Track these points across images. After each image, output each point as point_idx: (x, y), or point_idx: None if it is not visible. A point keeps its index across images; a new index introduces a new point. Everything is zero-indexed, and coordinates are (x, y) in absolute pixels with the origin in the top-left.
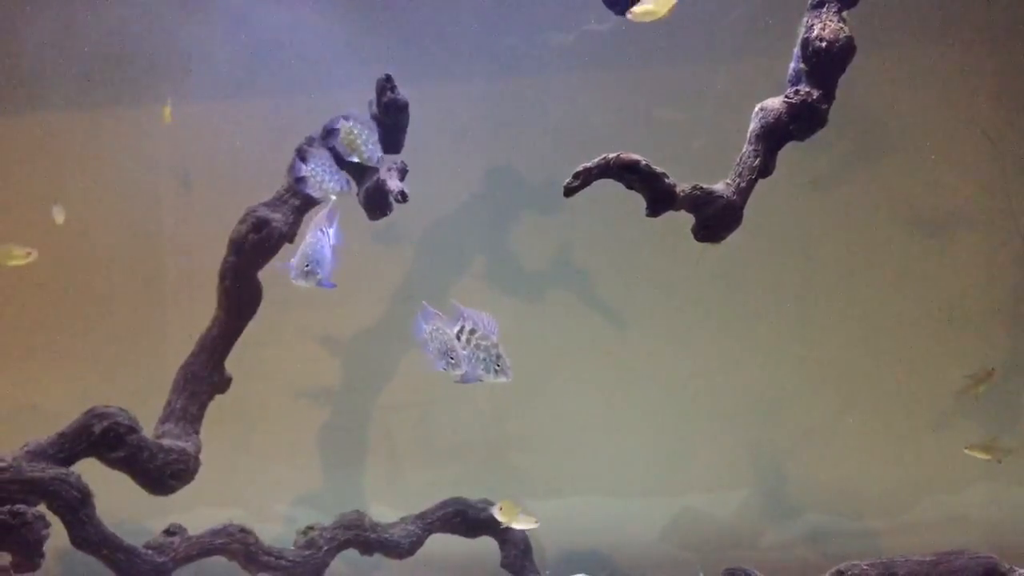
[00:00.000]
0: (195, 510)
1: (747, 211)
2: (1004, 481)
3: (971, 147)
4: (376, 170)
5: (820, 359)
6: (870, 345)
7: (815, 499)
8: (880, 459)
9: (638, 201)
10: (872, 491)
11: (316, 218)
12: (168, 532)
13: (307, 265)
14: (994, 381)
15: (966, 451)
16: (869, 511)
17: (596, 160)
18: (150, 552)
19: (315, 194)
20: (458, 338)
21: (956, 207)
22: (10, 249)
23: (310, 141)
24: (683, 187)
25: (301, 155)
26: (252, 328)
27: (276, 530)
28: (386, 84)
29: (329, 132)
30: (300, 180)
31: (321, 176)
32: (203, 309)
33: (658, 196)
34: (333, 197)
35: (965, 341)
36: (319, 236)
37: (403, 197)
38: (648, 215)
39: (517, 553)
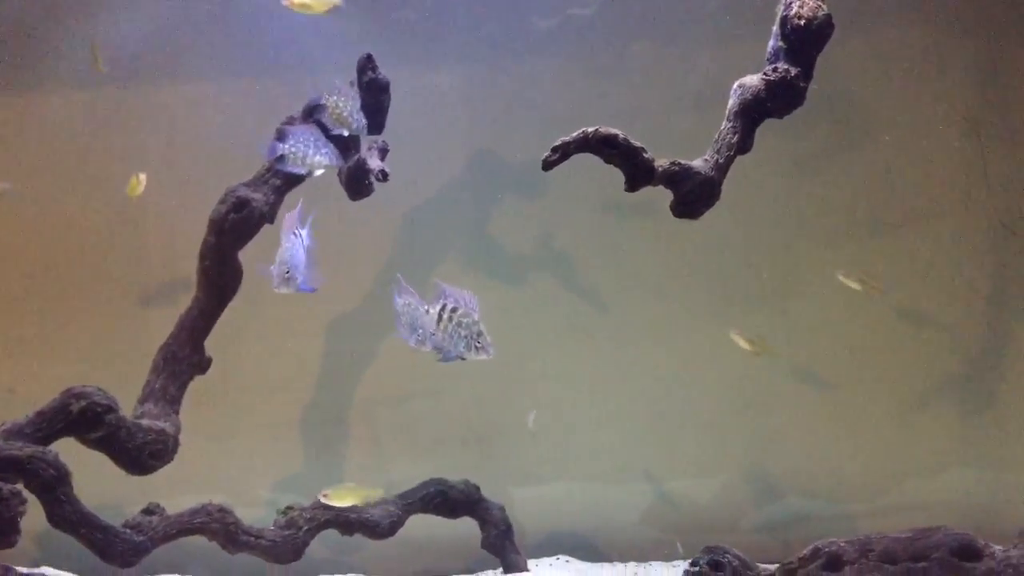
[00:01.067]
0: (176, 497)
1: (730, 198)
2: (980, 466)
3: (951, 131)
4: (357, 150)
5: (801, 344)
6: (850, 330)
7: (795, 484)
8: (859, 444)
9: (620, 185)
10: (851, 476)
11: (287, 222)
12: (147, 511)
13: (286, 272)
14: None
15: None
16: (848, 495)
17: (575, 134)
18: (128, 531)
19: (299, 171)
20: (440, 316)
21: (936, 191)
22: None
23: (291, 121)
24: (661, 162)
25: (279, 134)
26: (234, 313)
27: (257, 514)
28: (367, 64)
29: (315, 108)
30: (279, 159)
31: (303, 152)
32: (184, 290)
33: (636, 171)
34: (320, 171)
35: (945, 325)
36: (293, 240)
37: (384, 176)
38: (627, 190)
39: (498, 533)
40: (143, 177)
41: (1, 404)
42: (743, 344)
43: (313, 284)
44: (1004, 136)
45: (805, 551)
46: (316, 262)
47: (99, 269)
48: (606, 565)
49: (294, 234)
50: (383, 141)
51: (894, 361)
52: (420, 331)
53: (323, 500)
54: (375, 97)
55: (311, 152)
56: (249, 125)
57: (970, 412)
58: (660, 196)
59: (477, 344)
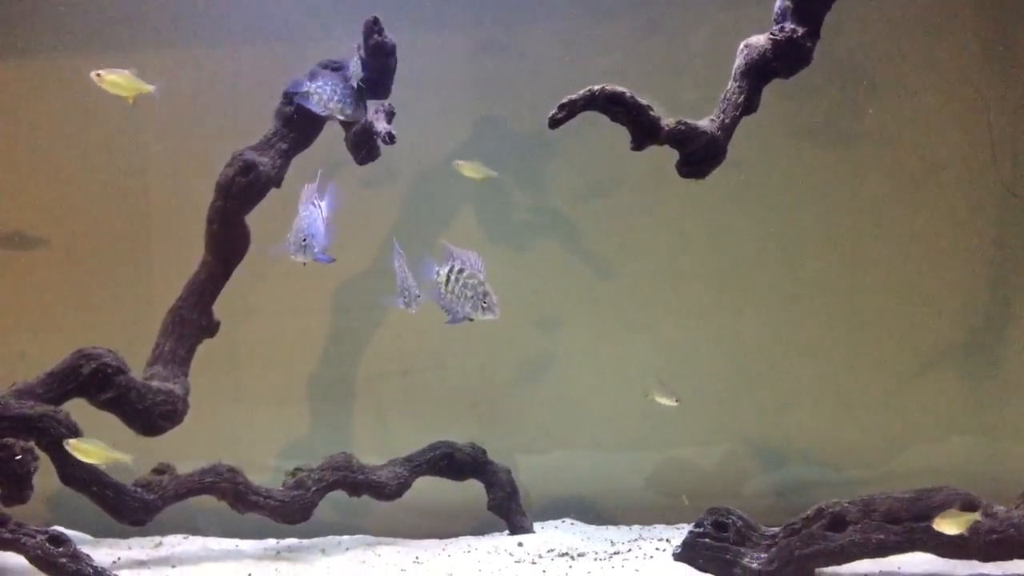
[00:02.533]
0: (183, 464)
1: (737, 166)
2: (984, 433)
3: (957, 96)
4: (364, 113)
5: (806, 313)
6: (855, 297)
7: (799, 451)
8: (862, 412)
9: (627, 148)
10: (854, 443)
11: (305, 192)
12: (157, 471)
13: (303, 239)
14: None
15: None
16: (852, 462)
17: (581, 92)
18: (139, 490)
19: (319, 111)
20: (448, 277)
21: (941, 157)
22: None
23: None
24: (668, 121)
25: (309, 74)
26: (241, 284)
27: (263, 480)
28: (373, 27)
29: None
30: (303, 95)
31: (329, 95)
32: (190, 255)
33: (643, 129)
34: (340, 117)
35: (948, 291)
36: (312, 209)
37: (390, 138)
38: (633, 149)
39: (504, 496)
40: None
41: (12, 368)
42: (468, 172)
43: (330, 255)
44: (1010, 104)
45: (809, 511)
46: (334, 234)
47: (107, 233)
48: (611, 527)
49: (313, 204)
50: (389, 104)
51: (898, 328)
52: (407, 293)
53: (67, 447)
54: (381, 60)
55: (336, 98)
56: (257, 89)
57: (973, 379)
58: (667, 162)
59: (484, 304)
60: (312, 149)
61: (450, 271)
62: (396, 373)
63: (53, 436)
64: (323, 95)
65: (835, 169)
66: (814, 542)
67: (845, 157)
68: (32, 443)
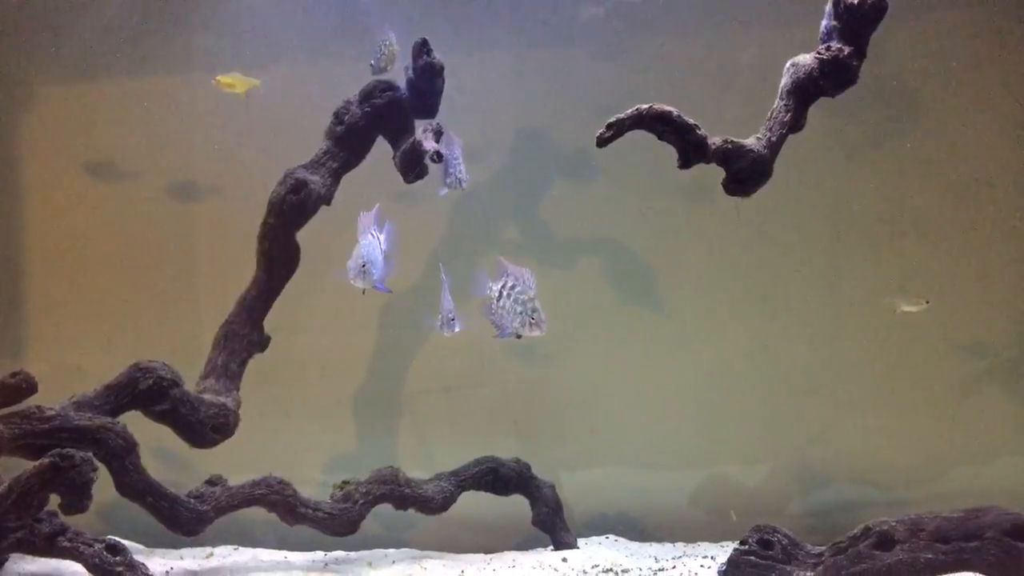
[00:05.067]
0: (233, 476)
1: (780, 186)
2: None
3: (1003, 114)
4: (412, 133)
5: (851, 331)
6: (900, 317)
7: (844, 471)
8: (908, 432)
9: (671, 168)
10: (900, 464)
11: (362, 221)
12: (209, 482)
13: (363, 265)
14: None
15: None
16: (897, 483)
17: (629, 111)
18: (192, 501)
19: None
20: (500, 293)
21: (987, 175)
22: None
23: (347, 106)
24: (714, 140)
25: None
26: (290, 302)
27: (309, 494)
28: (422, 48)
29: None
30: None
31: (454, 166)
32: (239, 271)
33: (690, 147)
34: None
35: (996, 309)
36: (370, 239)
37: (438, 157)
38: (680, 167)
39: (548, 511)
40: None
41: (69, 380)
42: None
43: (388, 286)
44: None
45: (856, 530)
46: (392, 267)
47: (158, 253)
48: (655, 544)
49: (371, 234)
50: (437, 123)
51: (945, 347)
52: (441, 315)
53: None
54: (429, 80)
55: (457, 169)
56: (306, 111)
57: (1022, 399)
58: (710, 180)
59: (531, 320)
60: (360, 167)
61: (503, 287)
62: (439, 390)
63: (111, 447)
64: (453, 169)
65: (881, 187)
66: (861, 561)
67: (891, 174)
68: (91, 454)
